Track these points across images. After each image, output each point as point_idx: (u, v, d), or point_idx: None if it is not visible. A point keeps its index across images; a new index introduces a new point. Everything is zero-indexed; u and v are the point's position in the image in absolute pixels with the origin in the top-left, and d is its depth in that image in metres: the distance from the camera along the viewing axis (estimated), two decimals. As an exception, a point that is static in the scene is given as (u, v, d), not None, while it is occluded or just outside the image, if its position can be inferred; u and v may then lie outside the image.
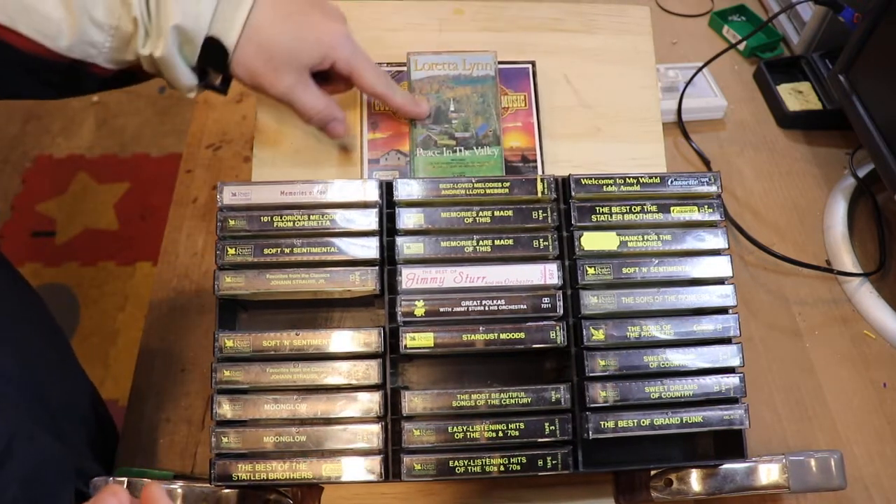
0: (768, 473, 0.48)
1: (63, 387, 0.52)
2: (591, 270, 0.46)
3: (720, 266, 0.47)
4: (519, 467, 0.44)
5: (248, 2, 0.44)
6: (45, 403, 0.47)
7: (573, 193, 0.47)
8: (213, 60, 0.45)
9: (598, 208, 0.47)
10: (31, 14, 0.41)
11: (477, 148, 0.52)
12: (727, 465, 0.48)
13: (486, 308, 0.45)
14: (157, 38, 0.43)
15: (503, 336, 0.45)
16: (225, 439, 0.44)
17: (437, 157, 0.52)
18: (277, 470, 0.44)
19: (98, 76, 0.46)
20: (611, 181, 0.47)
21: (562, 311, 0.45)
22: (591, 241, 0.46)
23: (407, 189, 0.47)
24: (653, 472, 0.48)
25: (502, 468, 0.44)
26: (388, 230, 0.47)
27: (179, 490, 0.46)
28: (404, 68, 0.54)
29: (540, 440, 0.44)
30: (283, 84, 0.46)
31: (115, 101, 1.71)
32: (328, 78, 0.51)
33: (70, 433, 0.50)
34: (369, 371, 0.44)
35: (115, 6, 0.42)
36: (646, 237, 0.47)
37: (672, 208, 0.47)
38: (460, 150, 0.52)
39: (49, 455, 0.44)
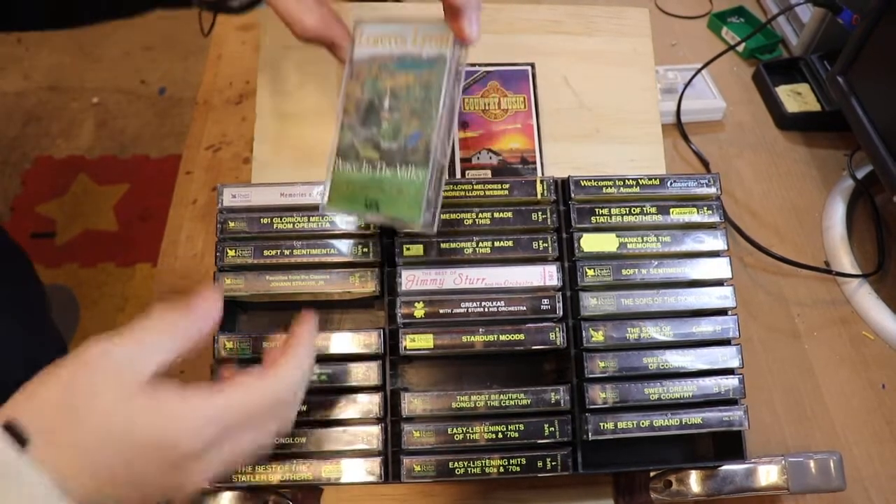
0: (767, 475, 0.48)
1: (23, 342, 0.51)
2: (590, 272, 0.46)
3: (719, 267, 0.47)
4: (518, 468, 0.44)
5: None
6: None
7: (573, 195, 0.47)
8: None
9: (597, 210, 0.47)
10: None
11: (400, 167, 0.40)
12: (726, 467, 0.48)
13: (486, 309, 0.45)
14: None
15: (503, 337, 0.45)
16: (225, 441, 0.44)
17: (354, 175, 0.41)
18: (277, 472, 0.44)
19: None
20: (610, 183, 0.47)
21: (561, 313, 0.45)
22: (591, 242, 0.46)
23: (406, 191, 0.46)
24: (652, 474, 0.48)
25: (502, 469, 0.44)
26: (387, 231, 0.47)
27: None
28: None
29: (539, 441, 0.44)
30: None
31: (114, 103, 1.71)
32: None
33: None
34: (369, 372, 0.44)
35: None
36: (645, 239, 0.47)
37: (671, 210, 0.47)
38: (381, 168, 0.40)
39: None
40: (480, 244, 0.46)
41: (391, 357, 0.46)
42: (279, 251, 0.46)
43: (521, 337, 0.45)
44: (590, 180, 0.47)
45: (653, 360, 0.45)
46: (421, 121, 0.40)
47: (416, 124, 0.40)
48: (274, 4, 0.41)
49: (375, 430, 0.44)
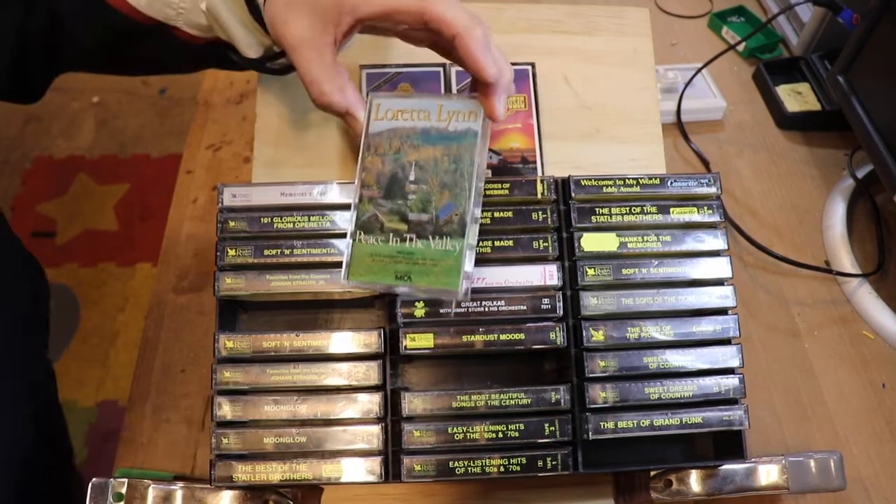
0: (768, 474, 0.48)
1: None
2: (590, 271, 0.46)
3: (719, 267, 0.47)
4: (519, 468, 0.44)
5: None
6: None
7: (573, 194, 0.47)
8: (256, 13, 0.43)
9: (597, 209, 0.47)
10: None
11: (433, 238, 0.40)
12: (727, 466, 0.48)
13: (486, 309, 0.45)
14: None
15: (503, 337, 0.45)
16: (225, 440, 0.44)
17: (379, 247, 0.41)
18: (277, 471, 0.44)
19: (189, 44, 0.47)
20: (610, 182, 0.47)
21: (561, 312, 0.45)
22: (591, 242, 0.46)
23: (407, 190, 0.46)
24: (652, 473, 0.48)
25: (502, 469, 0.44)
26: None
27: (179, 491, 0.47)
28: (404, 69, 0.54)
29: (540, 441, 0.44)
30: (289, 34, 0.41)
31: (115, 102, 1.71)
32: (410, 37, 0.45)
33: None
34: (369, 372, 0.44)
35: None
36: (645, 238, 0.47)
37: (671, 209, 0.47)
38: (411, 240, 0.41)
39: None
40: (481, 244, 0.46)
41: (391, 356, 0.46)
42: (279, 251, 0.46)
43: (522, 336, 0.45)
44: (590, 180, 0.47)
45: (653, 360, 0.45)
46: (452, 193, 0.41)
47: (447, 196, 0.41)
48: (299, 67, 0.42)
49: (375, 429, 0.44)
